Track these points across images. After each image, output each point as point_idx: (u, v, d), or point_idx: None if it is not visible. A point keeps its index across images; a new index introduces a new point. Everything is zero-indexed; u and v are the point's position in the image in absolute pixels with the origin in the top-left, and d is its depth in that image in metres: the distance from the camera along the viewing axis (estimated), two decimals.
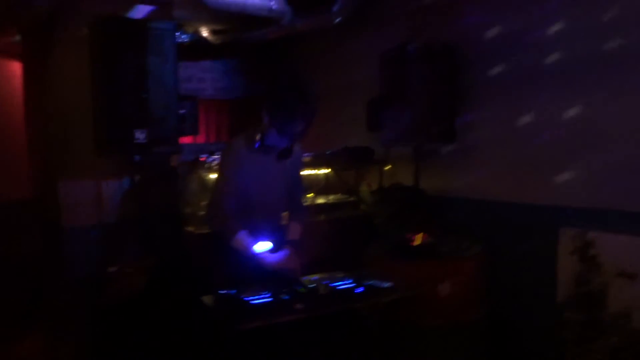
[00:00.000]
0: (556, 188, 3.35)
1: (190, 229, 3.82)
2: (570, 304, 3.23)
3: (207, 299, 2.45)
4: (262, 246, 2.59)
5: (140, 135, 3.04)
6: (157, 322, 3.07)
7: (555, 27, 3.33)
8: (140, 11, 3.75)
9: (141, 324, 3.08)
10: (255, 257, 2.56)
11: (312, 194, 4.49)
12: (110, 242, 3.45)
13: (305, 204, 2.93)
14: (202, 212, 3.90)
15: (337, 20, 4.74)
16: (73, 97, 3.41)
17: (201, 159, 3.79)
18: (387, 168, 4.54)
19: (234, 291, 2.42)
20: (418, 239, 3.46)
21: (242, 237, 2.56)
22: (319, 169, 4.63)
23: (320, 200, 4.58)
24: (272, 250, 2.61)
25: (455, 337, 3.31)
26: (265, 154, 2.65)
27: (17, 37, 4.26)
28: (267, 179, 2.70)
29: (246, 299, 2.33)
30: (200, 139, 6.06)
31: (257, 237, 2.61)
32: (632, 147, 2.96)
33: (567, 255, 3.23)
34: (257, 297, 2.36)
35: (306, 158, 4.26)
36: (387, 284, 2.58)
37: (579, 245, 3.16)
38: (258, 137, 2.62)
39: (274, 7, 4.46)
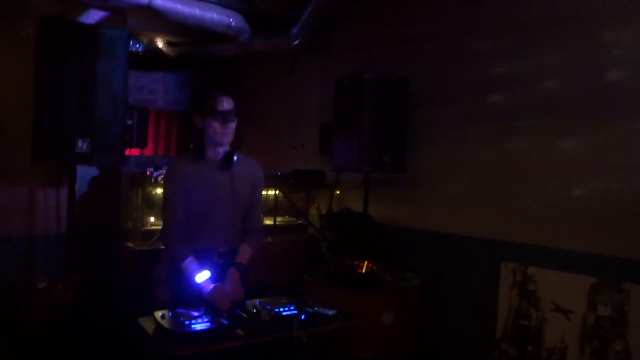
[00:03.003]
0: (499, 222, 3.44)
1: (129, 244, 3.67)
2: (508, 337, 3.29)
3: (142, 321, 2.33)
4: (202, 276, 2.50)
5: (82, 144, 2.89)
6: (83, 342, 2.91)
7: (501, 69, 3.46)
8: (92, 16, 3.63)
9: (66, 343, 2.90)
10: (196, 286, 2.48)
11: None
12: (41, 253, 3.25)
13: (260, 228, 2.86)
14: (144, 228, 3.77)
15: (295, 42, 4.76)
16: (9, 98, 3.23)
17: (147, 173, 3.66)
18: (337, 193, 4.54)
19: (171, 313, 2.31)
20: (364, 267, 3.45)
21: (187, 263, 2.50)
22: (268, 190, 4.58)
23: (268, 222, 4.52)
24: (212, 279, 2.52)
25: None
26: (209, 168, 2.59)
27: None
28: (214, 194, 2.61)
29: (185, 322, 2.22)
30: (148, 151, 5.88)
31: (202, 263, 2.53)
32: (570, 188, 3.08)
33: (507, 289, 3.30)
34: (195, 321, 2.26)
35: None
36: (330, 312, 2.53)
37: (519, 280, 3.24)
38: (194, 148, 2.58)
39: (232, 24, 4.43)
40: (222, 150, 2.61)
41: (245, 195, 2.71)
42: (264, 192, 4.55)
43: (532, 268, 3.19)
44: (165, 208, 2.63)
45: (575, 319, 2.97)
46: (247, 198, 2.73)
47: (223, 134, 2.57)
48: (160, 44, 5.61)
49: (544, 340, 3.11)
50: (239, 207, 2.70)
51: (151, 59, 5.79)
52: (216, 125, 2.55)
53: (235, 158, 2.61)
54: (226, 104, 2.55)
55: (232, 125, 2.58)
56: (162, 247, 2.69)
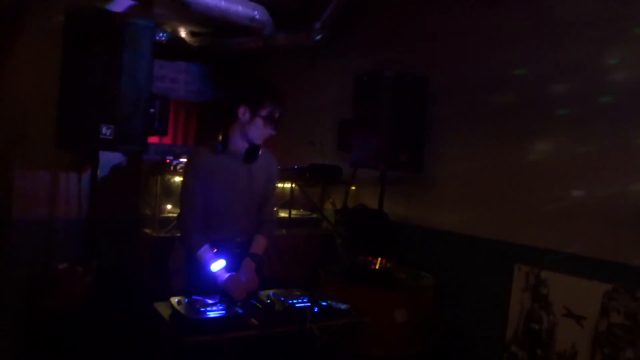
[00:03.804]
0: (514, 225, 3.43)
1: (147, 231, 3.73)
2: (518, 340, 3.29)
3: (159, 307, 2.38)
4: (218, 265, 2.55)
5: (106, 131, 2.95)
6: (102, 329, 2.97)
7: (522, 69, 3.44)
8: (119, 5, 3.68)
9: (85, 330, 2.96)
10: (212, 275, 2.52)
11: (275, 208, 4.46)
12: (62, 238, 3.32)
13: (275, 218, 2.90)
14: (162, 215, 3.83)
15: (317, 38, 4.77)
16: (36, 85, 3.30)
17: (167, 161, 3.71)
18: (352, 189, 4.56)
19: (187, 300, 2.35)
20: (377, 264, 3.47)
21: (202, 253, 2.54)
22: (284, 184, 4.61)
23: (283, 215, 4.56)
24: (228, 268, 2.56)
25: None
26: (231, 159, 2.62)
27: None
28: (234, 186, 2.65)
29: (200, 309, 2.27)
30: (167, 140, 5.95)
31: (219, 252, 2.57)
32: (587, 193, 3.06)
33: (519, 292, 3.30)
34: (210, 308, 2.31)
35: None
36: (343, 306, 2.56)
37: (532, 283, 3.24)
38: (220, 139, 2.61)
39: (256, 17, 4.45)
40: (247, 143, 2.64)
41: (261, 187, 2.75)
42: (280, 185, 4.59)
43: (545, 272, 3.19)
44: (183, 197, 2.66)
45: (587, 325, 2.97)
46: (263, 190, 2.77)
47: (265, 137, 2.61)
48: (183, 33, 5.66)
49: (554, 345, 3.10)
50: (256, 198, 2.74)
51: (174, 48, 5.85)
52: (265, 129, 2.58)
53: (259, 152, 2.65)
54: (279, 114, 2.59)
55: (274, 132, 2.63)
56: (178, 234, 2.74)
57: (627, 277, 2.84)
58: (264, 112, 2.55)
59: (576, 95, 3.15)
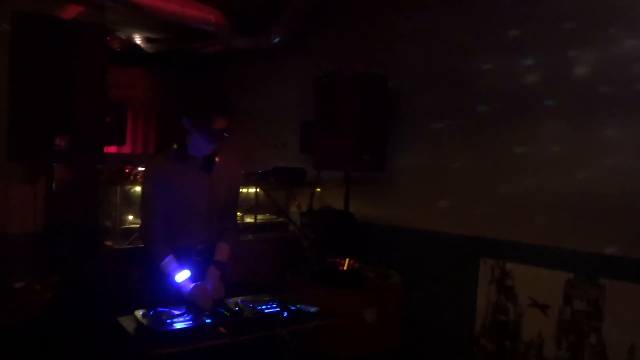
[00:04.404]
0: (478, 219, 3.49)
1: (108, 243, 3.62)
2: (486, 333, 3.34)
3: (123, 320, 2.30)
4: (182, 276, 2.49)
5: (60, 142, 2.84)
6: (63, 343, 2.86)
7: (480, 67, 3.51)
8: (69, 11, 3.56)
9: (45, 344, 2.85)
10: (176, 286, 2.46)
11: (240, 213, 4.41)
12: (18, 253, 3.19)
13: (237, 225, 2.85)
14: (123, 226, 3.73)
15: (275, 40, 4.75)
16: None
17: (126, 170, 3.61)
18: (317, 190, 4.55)
19: (152, 312, 2.29)
20: (345, 265, 3.47)
21: (166, 263, 2.48)
22: (248, 188, 4.56)
23: (249, 220, 4.51)
24: (192, 278, 2.51)
25: None
26: (189, 166, 2.57)
27: None
28: (193, 194, 2.59)
29: (166, 321, 2.21)
30: (126, 149, 5.80)
31: (184, 262, 2.51)
32: (547, 185, 3.14)
33: (486, 285, 3.35)
34: (177, 319, 2.25)
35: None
36: (313, 309, 2.54)
37: (497, 276, 3.30)
38: (175, 146, 2.56)
39: (212, 20, 4.39)
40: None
41: (223, 194, 2.70)
42: (244, 190, 4.54)
43: (510, 264, 3.25)
44: (144, 206, 2.60)
45: (551, 313, 3.04)
46: (224, 197, 2.72)
47: (210, 147, 2.56)
48: (138, 40, 5.53)
49: (522, 335, 3.17)
50: (216, 205, 2.69)
51: (129, 55, 5.71)
52: (206, 141, 2.53)
53: (216, 159, 2.60)
54: (222, 123, 2.49)
55: (222, 142, 2.56)
56: (141, 245, 2.67)
57: (588, 264, 2.92)
58: (200, 122, 2.49)
59: (534, 92, 3.22)
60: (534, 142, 3.22)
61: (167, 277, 2.47)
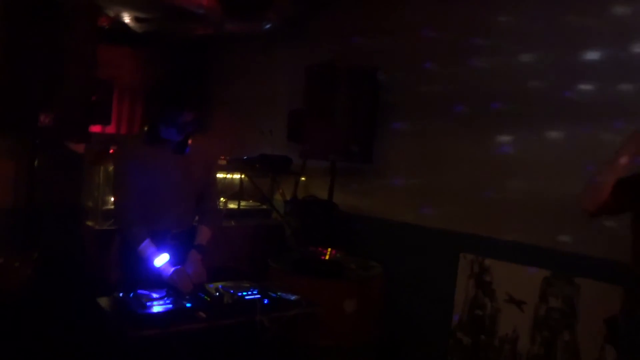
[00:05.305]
0: (459, 215, 3.52)
1: (90, 223, 3.60)
2: (463, 326, 3.39)
3: (102, 301, 2.30)
4: (161, 260, 2.48)
5: (45, 119, 2.80)
6: (40, 321, 2.85)
7: (469, 65, 3.52)
8: None
9: (23, 322, 2.83)
10: (155, 270, 2.46)
11: (224, 199, 4.40)
12: None
13: (218, 208, 2.85)
14: (105, 207, 3.70)
15: (267, 26, 4.71)
16: None
17: (110, 151, 3.57)
18: (302, 179, 4.55)
19: (131, 294, 2.29)
20: (328, 255, 3.48)
21: (144, 247, 2.48)
22: (233, 174, 4.55)
23: (232, 206, 4.50)
24: (172, 262, 2.51)
25: (348, 357, 3.35)
26: (161, 149, 2.56)
27: None
28: (166, 177, 2.59)
29: (146, 303, 2.21)
30: (111, 129, 5.73)
31: (160, 246, 2.51)
32: (527, 184, 3.18)
33: (464, 279, 3.40)
34: (157, 302, 2.25)
35: (221, 161, 4.17)
36: (293, 297, 2.56)
37: (476, 271, 3.34)
38: (146, 128, 2.55)
39: (204, 3, 4.34)
40: None
41: (199, 177, 2.70)
42: (229, 176, 4.53)
43: (489, 260, 3.30)
44: (117, 189, 2.59)
45: (527, 309, 3.10)
46: (201, 180, 2.72)
47: (178, 136, 2.55)
48: (127, 19, 5.45)
49: (498, 330, 3.22)
50: (192, 189, 2.69)
51: (117, 34, 5.62)
52: (172, 132, 2.52)
53: (189, 142, 2.60)
54: (187, 117, 2.51)
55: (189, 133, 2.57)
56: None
57: (564, 263, 2.98)
58: (168, 116, 2.51)
59: (519, 91, 3.25)
60: (518, 142, 3.25)
61: (146, 261, 2.47)
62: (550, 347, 2.98)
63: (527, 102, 3.20)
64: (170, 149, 2.57)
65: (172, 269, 2.47)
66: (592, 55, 2.95)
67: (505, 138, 3.31)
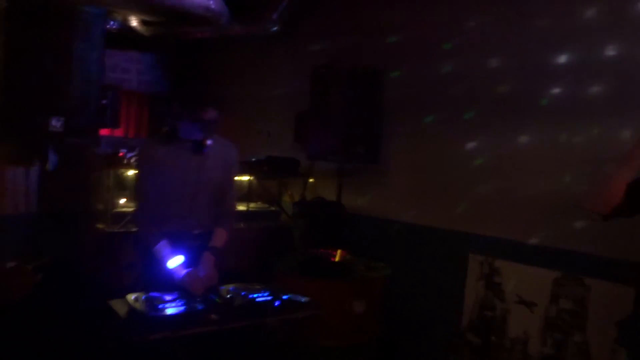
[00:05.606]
0: (468, 215, 3.51)
1: (100, 226, 3.62)
2: (473, 327, 3.39)
3: (114, 304, 2.31)
4: (175, 261, 2.50)
5: (56, 123, 2.83)
6: (53, 325, 2.87)
7: (473, 64, 3.51)
8: None
9: (35, 325, 2.85)
10: (169, 272, 2.48)
11: None
12: (10, 234, 3.17)
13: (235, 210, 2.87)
14: (115, 210, 3.72)
15: (270, 28, 4.72)
16: None
17: (120, 154, 3.60)
18: (310, 181, 4.56)
19: (144, 297, 2.30)
20: (337, 257, 3.48)
21: (160, 248, 2.50)
22: (241, 176, 4.56)
23: (241, 208, 4.51)
24: (185, 264, 2.52)
25: (355, 358, 3.35)
26: (180, 149, 2.57)
27: None
28: (186, 177, 2.60)
29: (158, 306, 2.22)
30: (119, 132, 5.76)
31: (179, 247, 2.52)
32: (537, 183, 3.17)
33: (474, 281, 3.39)
34: (169, 304, 2.26)
35: None
36: (303, 299, 2.56)
37: (486, 272, 3.34)
38: (165, 129, 2.58)
39: (211, 6, 4.35)
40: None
41: (218, 178, 2.71)
42: (237, 178, 4.53)
43: (499, 261, 3.29)
44: (137, 191, 2.63)
45: (538, 311, 3.08)
46: (220, 181, 2.72)
47: (199, 135, 2.56)
48: (134, 22, 5.47)
49: (508, 331, 3.22)
50: (211, 189, 2.70)
51: (125, 38, 5.65)
52: (193, 130, 2.54)
53: (208, 142, 2.60)
54: (211, 114, 2.54)
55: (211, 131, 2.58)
56: (134, 229, 2.69)
57: (574, 263, 2.96)
58: (193, 114, 2.52)
59: (525, 90, 3.24)
60: (526, 141, 3.24)
61: (160, 262, 2.48)
62: (561, 349, 2.97)
63: (534, 103, 3.19)
64: (189, 149, 2.58)
65: (184, 271, 2.48)
66: None
67: (513, 139, 3.30)
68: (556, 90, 3.11)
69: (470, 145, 3.53)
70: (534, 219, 3.16)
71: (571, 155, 3.03)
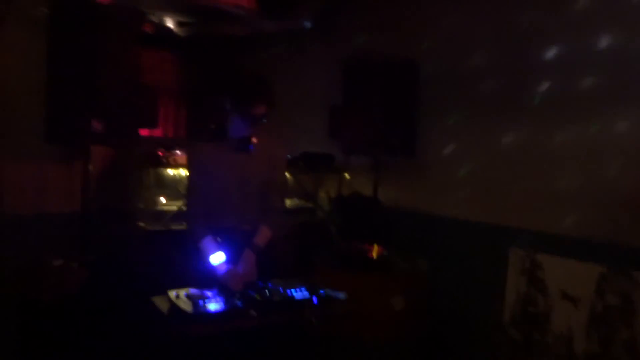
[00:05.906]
0: (508, 209, 3.44)
1: (141, 224, 3.70)
2: (515, 323, 3.32)
3: (157, 300, 2.36)
4: (217, 258, 2.55)
5: (97, 125, 2.91)
6: (97, 321, 2.96)
7: (513, 57, 3.42)
8: None
9: (81, 322, 2.95)
10: (210, 267, 2.53)
11: None
12: (56, 232, 3.28)
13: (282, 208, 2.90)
14: (156, 208, 3.81)
15: (303, 23, 4.72)
16: (22, 78, 3.23)
17: (160, 153, 3.68)
18: (346, 176, 4.55)
19: (185, 293, 2.34)
20: (374, 251, 3.47)
21: (204, 243, 2.57)
22: None
23: None
24: (228, 260, 2.57)
25: (396, 353, 3.33)
26: (228, 147, 2.62)
27: None
28: (232, 175, 2.65)
29: (199, 302, 2.26)
30: (157, 132, 5.88)
31: (225, 243, 2.58)
32: (581, 175, 3.07)
33: (515, 275, 3.32)
34: (209, 301, 2.30)
35: None
36: (341, 295, 2.56)
37: (527, 266, 3.26)
38: (213, 127, 2.62)
39: (245, 5, 4.40)
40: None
41: (262, 175, 2.73)
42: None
43: (541, 255, 3.21)
44: (187, 189, 2.74)
45: (582, 306, 2.99)
46: (265, 178, 2.74)
47: (248, 130, 2.59)
48: (170, 23, 5.57)
49: (551, 327, 3.13)
50: (255, 187, 2.72)
51: (160, 38, 5.76)
52: (242, 125, 2.57)
53: (254, 140, 2.63)
54: (261, 109, 2.55)
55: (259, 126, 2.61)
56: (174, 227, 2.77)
57: (621, 258, 2.86)
58: (242, 108, 2.54)
59: (568, 80, 3.14)
60: (569, 132, 3.14)
61: (203, 257, 2.54)
62: (607, 346, 2.88)
63: (579, 93, 3.09)
64: (236, 147, 2.62)
65: (224, 268, 2.52)
66: None
67: (556, 128, 3.20)
68: (600, 82, 3.00)
69: (510, 138, 3.45)
70: (578, 212, 3.07)
71: (616, 146, 2.93)
